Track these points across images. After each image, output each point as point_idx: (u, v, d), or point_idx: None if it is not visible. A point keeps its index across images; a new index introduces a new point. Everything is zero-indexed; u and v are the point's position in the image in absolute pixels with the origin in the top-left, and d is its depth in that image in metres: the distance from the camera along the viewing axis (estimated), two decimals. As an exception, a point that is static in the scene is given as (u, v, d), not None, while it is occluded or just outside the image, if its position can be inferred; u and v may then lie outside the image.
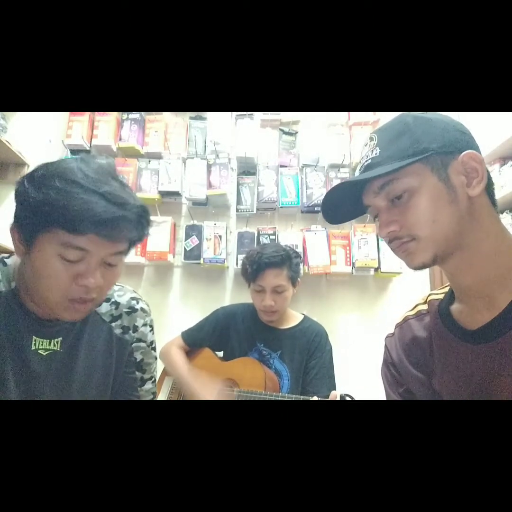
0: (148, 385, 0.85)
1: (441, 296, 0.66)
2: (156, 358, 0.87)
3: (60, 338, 0.70)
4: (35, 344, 0.67)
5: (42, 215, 0.57)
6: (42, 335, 0.68)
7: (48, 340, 0.69)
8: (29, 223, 0.59)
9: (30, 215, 0.59)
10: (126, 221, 0.60)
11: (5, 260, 0.70)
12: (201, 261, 1.87)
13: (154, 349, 0.85)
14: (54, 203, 0.56)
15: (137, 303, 0.82)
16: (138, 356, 0.82)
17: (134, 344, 0.80)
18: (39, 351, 0.68)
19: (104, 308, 0.77)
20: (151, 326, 0.84)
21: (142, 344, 0.82)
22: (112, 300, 0.79)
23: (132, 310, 0.80)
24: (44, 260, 0.59)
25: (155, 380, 0.87)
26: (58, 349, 0.70)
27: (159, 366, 1.50)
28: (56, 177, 0.58)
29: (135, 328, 0.80)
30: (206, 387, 1.30)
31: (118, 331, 0.78)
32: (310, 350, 1.41)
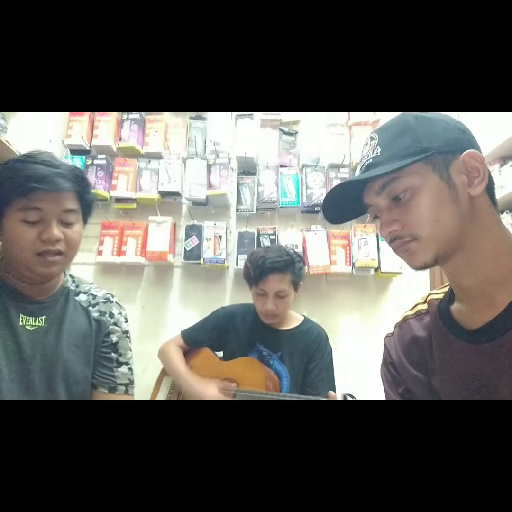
0: (124, 369, 0.90)
1: (441, 296, 0.66)
2: (131, 349, 0.94)
3: (44, 316, 0.81)
4: (22, 321, 0.78)
5: (1, 193, 0.73)
6: (28, 313, 0.79)
7: (33, 318, 0.79)
8: None
9: None
10: (62, 176, 0.75)
11: None
12: (201, 261, 1.87)
13: (129, 338, 0.94)
14: (5, 179, 0.73)
15: (112, 297, 0.94)
16: (114, 338, 0.90)
17: (110, 327, 0.90)
18: (27, 327, 0.78)
19: (82, 297, 0.89)
20: (125, 318, 0.94)
21: (118, 329, 0.91)
22: (89, 292, 0.91)
23: (107, 301, 0.92)
24: (11, 228, 0.73)
25: (131, 368, 0.92)
26: (43, 325, 0.80)
27: (158, 366, 1.51)
28: (5, 164, 0.76)
29: (111, 315, 0.91)
30: (206, 386, 1.30)
31: (95, 314, 0.89)
32: (310, 351, 1.41)
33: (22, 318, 0.78)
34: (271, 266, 1.32)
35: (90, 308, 0.88)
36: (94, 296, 0.91)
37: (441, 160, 0.55)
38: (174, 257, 1.94)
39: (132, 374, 0.92)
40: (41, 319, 0.80)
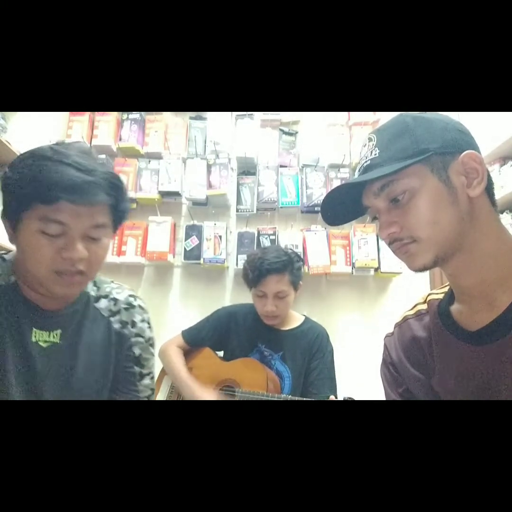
0: (147, 381, 0.85)
1: (441, 296, 0.66)
2: (153, 355, 0.87)
3: (59, 331, 0.71)
4: (35, 336, 0.69)
5: (20, 193, 0.61)
6: (41, 326, 0.70)
7: (47, 332, 0.70)
8: (12, 205, 0.63)
9: (11, 197, 0.63)
10: (95, 186, 0.61)
11: (4, 256, 0.72)
12: (201, 261, 1.87)
13: (152, 345, 0.86)
14: (27, 179, 0.60)
15: (135, 300, 0.84)
16: (137, 351, 0.82)
17: (132, 339, 0.81)
18: (39, 343, 0.69)
19: (103, 303, 0.79)
20: (149, 323, 0.86)
21: (141, 339, 0.83)
22: (111, 297, 0.80)
23: (130, 306, 0.82)
24: (28, 238, 0.62)
25: (153, 376, 0.88)
26: (58, 341, 0.71)
27: (158, 366, 1.51)
28: (29, 157, 0.62)
29: (134, 324, 0.82)
30: (206, 388, 1.30)
31: (117, 325, 0.79)
32: (311, 351, 1.41)
33: (34, 333, 0.69)
34: (269, 267, 1.32)
35: (111, 318, 0.79)
36: (116, 301, 0.81)
37: (440, 161, 0.55)
38: (174, 257, 1.94)
39: (154, 382, 0.87)
40: (56, 334, 0.71)
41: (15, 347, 0.67)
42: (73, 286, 0.67)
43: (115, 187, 0.66)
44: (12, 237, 0.66)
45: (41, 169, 0.60)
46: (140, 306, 0.84)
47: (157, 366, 1.49)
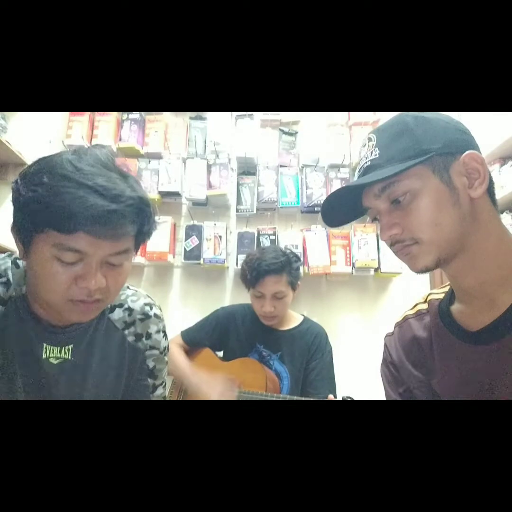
0: (159, 391, 0.83)
1: (441, 296, 0.66)
2: (167, 363, 0.84)
3: (71, 346, 0.68)
4: (46, 352, 0.65)
5: (33, 214, 0.54)
6: (52, 342, 0.66)
7: (59, 348, 0.66)
8: (23, 223, 0.56)
9: (22, 215, 0.56)
10: (120, 216, 0.54)
11: (18, 261, 0.67)
12: (201, 261, 1.87)
13: (166, 355, 0.83)
14: (42, 201, 0.52)
15: (151, 309, 0.78)
16: (151, 364, 0.79)
17: (147, 352, 0.78)
18: (50, 360, 0.66)
19: (117, 314, 0.74)
20: (164, 331, 0.81)
21: (155, 352, 0.79)
22: (125, 306, 0.75)
23: (145, 317, 0.77)
24: (41, 262, 0.56)
25: (165, 384, 0.85)
26: (69, 358, 0.67)
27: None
28: (45, 172, 0.54)
29: (149, 335, 0.77)
30: (211, 381, 1.30)
31: (131, 338, 0.75)
32: (310, 351, 1.41)
33: (45, 349, 0.65)
34: (267, 269, 1.32)
35: (125, 330, 0.75)
36: (131, 311, 0.75)
37: (441, 162, 0.55)
38: (174, 257, 1.94)
39: (166, 389, 0.85)
40: (68, 350, 0.67)
41: (25, 363, 0.64)
42: (89, 314, 0.62)
43: (143, 213, 0.59)
44: (22, 252, 0.60)
45: (59, 192, 0.52)
46: (155, 315, 0.78)
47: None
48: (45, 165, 0.56)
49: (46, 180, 0.53)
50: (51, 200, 0.52)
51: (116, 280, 0.60)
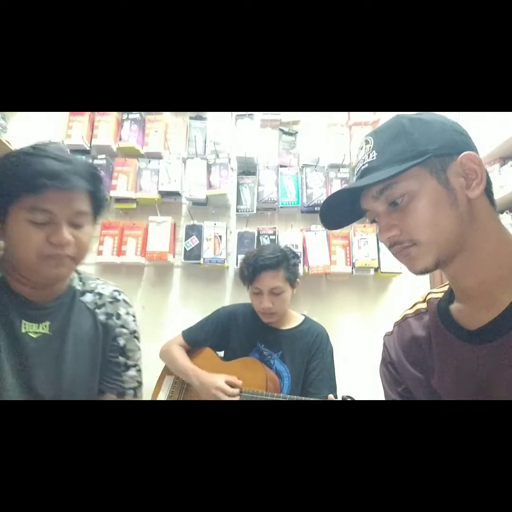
0: (132, 372, 0.88)
1: (441, 295, 0.66)
2: (139, 349, 0.90)
3: (48, 322, 0.76)
4: (24, 327, 0.74)
5: (7, 188, 0.67)
6: (30, 318, 0.74)
7: (36, 324, 0.75)
8: (0, 200, 0.68)
9: None
10: (75, 173, 0.69)
11: None
12: (201, 261, 1.87)
13: (137, 338, 0.90)
14: (10, 173, 0.67)
15: (119, 294, 0.89)
16: (121, 342, 0.86)
17: (117, 329, 0.86)
18: (30, 334, 0.74)
19: (89, 298, 0.84)
20: (134, 316, 0.90)
21: (125, 331, 0.87)
22: (96, 291, 0.86)
23: (115, 300, 0.87)
24: (17, 228, 0.68)
25: (140, 369, 0.90)
26: (48, 332, 0.76)
27: (159, 365, 1.51)
28: (12, 155, 0.69)
29: (118, 316, 0.87)
30: (214, 375, 1.32)
31: (102, 317, 0.84)
32: (311, 351, 1.41)
33: (24, 324, 0.73)
34: (263, 264, 1.33)
35: (97, 310, 0.84)
36: (101, 295, 0.86)
37: (438, 163, 0.55)
38: (174, 257, 1.94)
39: (140, 375, 0.90)
40: (45, 326, 0.76)
41: (7, 338, 0.71)
42: (62, 267, 0.72)
43: (93, 175, 0.74)
44: (1, 231, 0.70)
45: (26, 162, 0.66)
46: (124, 300, 0.89)
47: (157, 367, 1.50)
48: (11, 152, 0.71)
49: (13, 159, 0.68)
50: (18, 169, 0.66)
51: (81, 239, 0.73)
